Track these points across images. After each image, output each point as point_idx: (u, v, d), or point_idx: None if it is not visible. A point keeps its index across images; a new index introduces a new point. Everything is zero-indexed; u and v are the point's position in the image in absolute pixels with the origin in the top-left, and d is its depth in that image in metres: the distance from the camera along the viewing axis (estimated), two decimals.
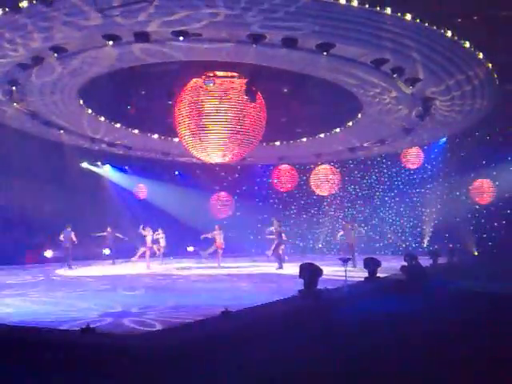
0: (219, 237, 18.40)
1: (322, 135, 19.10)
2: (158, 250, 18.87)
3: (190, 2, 8.90)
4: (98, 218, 20.16)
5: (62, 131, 17.43)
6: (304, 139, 19.81)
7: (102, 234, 19.70)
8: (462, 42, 10.90)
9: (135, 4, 8.57)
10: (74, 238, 17.43)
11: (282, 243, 17.49)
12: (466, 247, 23.07)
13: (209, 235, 18.67)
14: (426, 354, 5.59)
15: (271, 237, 17.62)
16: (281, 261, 16.68)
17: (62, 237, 17.36)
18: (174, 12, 9.24)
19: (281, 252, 17.29)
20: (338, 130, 18.30)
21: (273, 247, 17.17)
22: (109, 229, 19.81)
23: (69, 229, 17.42)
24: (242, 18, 9.52)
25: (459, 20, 10.72)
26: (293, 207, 28.36)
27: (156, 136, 19.03)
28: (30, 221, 18.93)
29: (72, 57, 11.39)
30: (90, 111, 15.91)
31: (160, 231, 18.97)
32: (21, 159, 17.74)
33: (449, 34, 10.51)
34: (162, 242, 18.97)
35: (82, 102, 15.03)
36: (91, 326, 5.88)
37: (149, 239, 18.04)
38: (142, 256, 18.23)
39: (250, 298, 9.21)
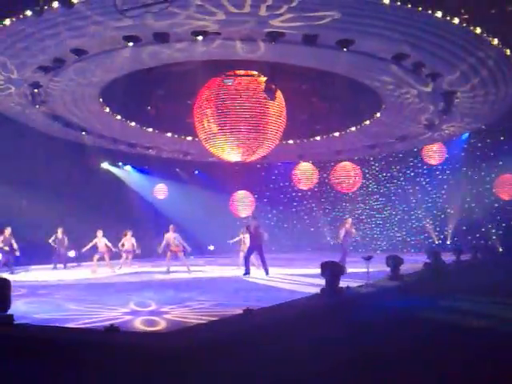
0: (173, 240, 16.09)
1: (342, 132, 18.94)
2: (126, 252, 17.30)
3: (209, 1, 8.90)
4: (114, 220, 19.66)
5: (83, 133, 17.62)
6: (324, 136, 19.65)
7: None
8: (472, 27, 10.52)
9: (155, 5, 8.57)
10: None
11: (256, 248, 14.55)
12: (490, 244, 22.76)
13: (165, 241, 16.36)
14: (453, 354, 5.51)
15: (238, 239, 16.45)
16: (248, 267, 14.49)
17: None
18: (193, 11, 9.24)
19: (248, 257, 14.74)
20: (358, 126, 18.13)
21: (243, 252, 15.26)
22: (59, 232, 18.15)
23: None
24: (259, 16, 9.48)
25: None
26: (313, 205, 28.29)
27: (176, 136, 19.10)
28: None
29: (92, 58, 11.49)
30: (109, 111, 16.02)
31: (128, 233, 17.37)
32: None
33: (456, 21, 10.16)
34: (128, 245, 17.23)
35: (102, 102, 15.17)
36: (115, 325, 5.94)
37: (99, 241, 16.56)
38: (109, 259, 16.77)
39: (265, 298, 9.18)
